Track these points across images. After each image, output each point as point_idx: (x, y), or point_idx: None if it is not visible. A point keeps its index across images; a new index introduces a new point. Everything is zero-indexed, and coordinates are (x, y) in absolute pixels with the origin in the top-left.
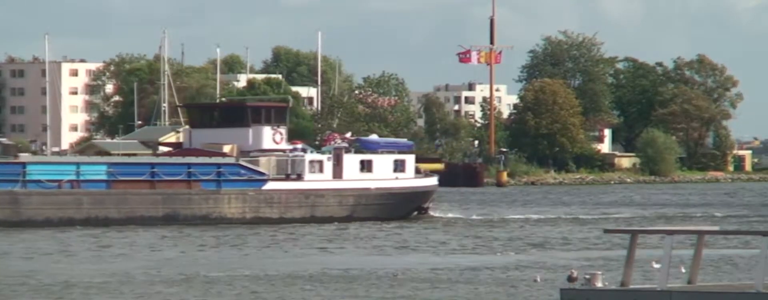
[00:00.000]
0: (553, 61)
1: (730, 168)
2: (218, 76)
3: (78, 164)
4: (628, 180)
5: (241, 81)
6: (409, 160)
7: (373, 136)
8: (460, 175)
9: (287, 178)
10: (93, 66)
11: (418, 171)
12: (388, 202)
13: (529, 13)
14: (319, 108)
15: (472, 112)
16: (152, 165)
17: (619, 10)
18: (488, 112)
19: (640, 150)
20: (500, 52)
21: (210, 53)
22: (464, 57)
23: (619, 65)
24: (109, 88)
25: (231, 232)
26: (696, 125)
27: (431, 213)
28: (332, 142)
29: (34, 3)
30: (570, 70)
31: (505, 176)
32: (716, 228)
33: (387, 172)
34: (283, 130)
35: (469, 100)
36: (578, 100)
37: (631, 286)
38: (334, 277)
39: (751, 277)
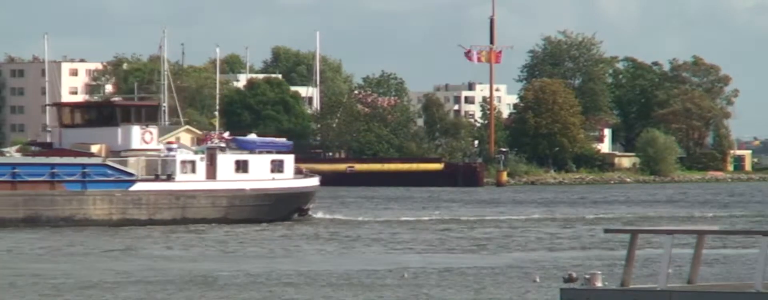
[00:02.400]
0: (553, 61)
1: (730, 168)
2: (217, 76)
3: None
4: (628, 180)
5: (241, 81)
6: (288, 160)
7: (252, 136)
8: (460, 175)
9: (157, 178)
10: (93, 66)
11: (299, 171)
12: (264, 203)
13: (528, 13)
14: (319, 108)
15: (472, 112)
16: (13, 165)
17: (618, 10)
18: (488, 112)
19: (640, 150)
20: (500, 52)
21: (210, 53)
22: (467, 55)
23: (619, 65)
24: (109, 88)
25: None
26: (696, 125)
27: (312, 214)
28: (208, 142)
29: (34, 3)
30: (570, 69)
31: (504, 176)
32: (716, 228)
33: (264, 172)
34: (153, 129)
35: (469, 100)
36: (578, 100)
37: (631, 286)
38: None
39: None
